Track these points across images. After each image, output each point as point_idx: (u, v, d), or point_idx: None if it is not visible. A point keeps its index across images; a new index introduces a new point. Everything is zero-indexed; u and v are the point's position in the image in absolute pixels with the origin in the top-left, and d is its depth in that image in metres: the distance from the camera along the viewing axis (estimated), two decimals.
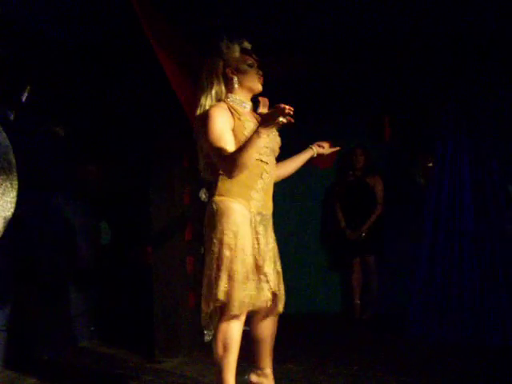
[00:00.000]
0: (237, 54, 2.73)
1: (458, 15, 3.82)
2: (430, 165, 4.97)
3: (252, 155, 2.48)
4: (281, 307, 2.74)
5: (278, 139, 2.82)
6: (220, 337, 2.57)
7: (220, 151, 2.53)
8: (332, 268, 5.84)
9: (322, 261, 5.85)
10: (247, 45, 2.78)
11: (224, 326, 2.57)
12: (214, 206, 2.63)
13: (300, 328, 4.92)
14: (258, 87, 2.77)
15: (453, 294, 4.31)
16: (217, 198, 2.64)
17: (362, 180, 5.48)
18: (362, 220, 5.36)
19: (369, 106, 5.60)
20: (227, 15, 3.61)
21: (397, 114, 5.57)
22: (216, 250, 2.57)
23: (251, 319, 2.76)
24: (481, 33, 4.06)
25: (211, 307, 2.57)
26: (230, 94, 2.72)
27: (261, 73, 2.77)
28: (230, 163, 2.51)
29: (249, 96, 2.78)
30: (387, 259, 5.41)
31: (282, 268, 2.79)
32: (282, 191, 5.82)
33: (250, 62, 2.74)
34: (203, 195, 4.04)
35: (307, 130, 5.76)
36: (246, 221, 2.61)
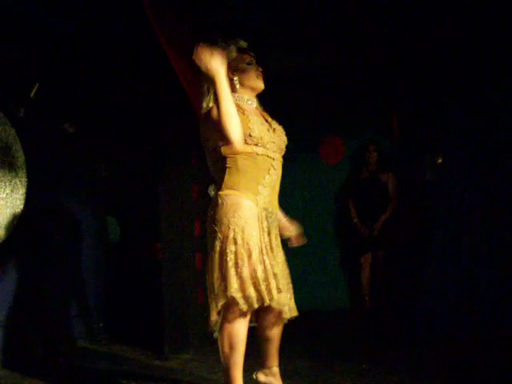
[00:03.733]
0: (234, 53, 2.69)
1: (466, 15, 3.82)
2: (440, 161, 4.95)
3: (226, 104, 2.44)
4: (287, 314, 2.66)
5: (285, 138, 2.75)
6: (225, 335, 2.54)
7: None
8: (341, 264, 5.83)
9: (330, 257, 5.84)
10: (243, 44, 2.74)
11: (229, 324, 2.53)
12: (220, 200, 2.57)
13: (309, 324, 4.89)
14: (259, 85, 2.72)
15: (463, 289, 4.28)
16: (224, 193, 2.59)
17: (376, 176, 5.47)
18: (375, 216, 5.35)
19: (378, 103, 5.58)
20: (236, 11, 3.60)
21: (405, 111, 5.54)
22: (221, 245, 2.53)
23: (259, 319, 2.71)
24: (488, 31, 4.05)
25: (220, 305, 2.50)
26: (233, 94, 2.64)
27: (260, 69, 2.73)
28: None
29: (253, 94, 2.73)
30: (397, 255, 5.38)
31: (292, 263, 2.77)
32: (293, 187, 5.88)
33: (248, 60, 2.71)
34: (212, 191, 4.02)
35: (316, 127, 5.78)
36: (253, 216, 2.56)
